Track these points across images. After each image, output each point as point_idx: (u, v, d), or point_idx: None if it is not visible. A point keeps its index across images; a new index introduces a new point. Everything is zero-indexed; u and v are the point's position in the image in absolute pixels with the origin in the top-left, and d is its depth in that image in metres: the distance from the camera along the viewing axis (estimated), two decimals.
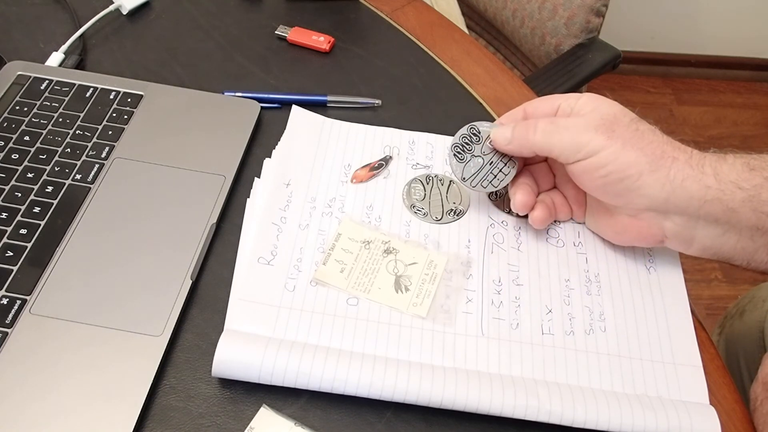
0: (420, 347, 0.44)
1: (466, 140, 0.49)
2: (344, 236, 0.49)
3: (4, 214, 0.48)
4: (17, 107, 0.55)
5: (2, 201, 0.49)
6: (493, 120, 0.55)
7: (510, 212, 0.52)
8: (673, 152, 0.44)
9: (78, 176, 0.51)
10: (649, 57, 1.87)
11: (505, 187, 0.50)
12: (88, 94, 0.57)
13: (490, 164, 0.48)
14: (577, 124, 0.45)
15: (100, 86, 0.57)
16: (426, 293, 0.46)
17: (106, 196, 0.50)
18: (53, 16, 0.66)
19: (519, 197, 0.49)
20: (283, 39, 0.65)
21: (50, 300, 0.44)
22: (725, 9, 1.76)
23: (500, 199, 0.53)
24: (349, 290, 0.46)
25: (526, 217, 0.51)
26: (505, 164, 0.49)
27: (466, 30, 0.96)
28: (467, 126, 0.49)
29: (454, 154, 0.48)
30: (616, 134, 0.44)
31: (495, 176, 0.48)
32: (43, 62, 0.60)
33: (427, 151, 0.56)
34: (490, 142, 0.49)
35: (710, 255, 0.46)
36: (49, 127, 0.54)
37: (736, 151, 0.45)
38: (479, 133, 0.49)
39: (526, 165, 0.51)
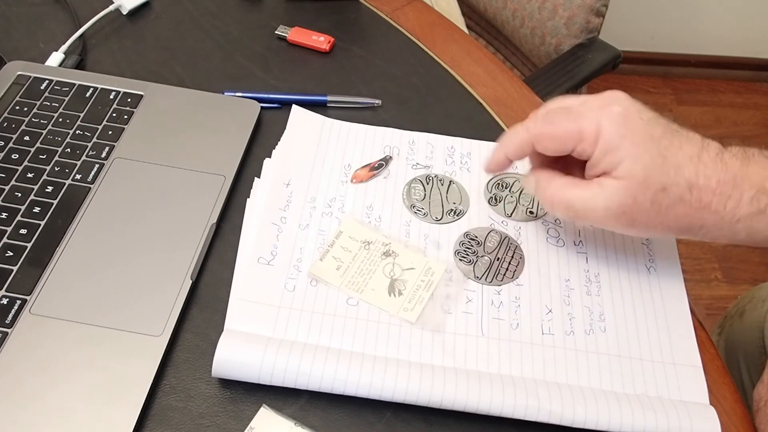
0: (420, 347, 0.44)
1: (467, 246, 0.50)
2: (345, 234, 0.49)
3: (4, 214, 0.48)
4: (17, 107, 0.55)
5: (2, 201, 0.49)
6: (494, 121, 0.55)
7: (510, 216, 0.52)
8: (702, 216, 0.42)
9: (78, 176, 0.51)
10: (649, 57, 1.87)
11: (505, 194, 0.51)
12: (88, 94, 0.57)
13: (498, 260, 0.49)
14: (597, 216, 0.43)
15: (100, 86, 0.57)
16: (419, 299, 0.46)
17: (106, 196, 0.50)
18: (53, 16, 0.66)
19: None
20: (283, 39, 0.65)
21: (50, 300, 0.44)
22: (725, 9, 1.75)
23: (500, 204, 0.53)
24: (342, 288, 0.46)
25: (525, 218, 0.51)
26: (512, 256, 0.49)
27: (466, 30, 0.96)
28: (462, 234, 0.50)
29: (460, 259, 0.49)
30: (637, 222, 0.43)
31: (507, 269, 0.49)
32: (43, 62, 0.60)
33: (427, 151, 0.56)
34: (490, 242, 0.50)
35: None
36: (49, 127, 0.54)
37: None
38: (476, 237, 0.50)
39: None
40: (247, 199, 0.51)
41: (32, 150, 0.53)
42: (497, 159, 0.48)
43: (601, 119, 0.43)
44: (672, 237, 0.46)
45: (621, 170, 0.42)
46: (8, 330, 0.43)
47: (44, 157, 0.52)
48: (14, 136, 0.53)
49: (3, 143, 0.53)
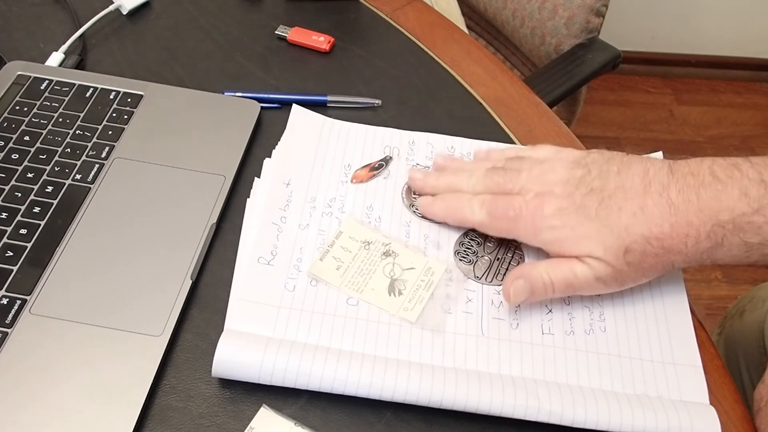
0: (420, 347, 0.44)
1: (467, 246, 0.50)
2: (345, 234, 0.49)
3: (4, 214, 0.48)
4: (17, 107, 0.55)
5: (2, 201, 0.49)
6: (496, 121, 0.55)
7: None
8: (670, 259, 0.43)
9: (78, 176, 0.51)
10: (649, 57, 1.87)
11: None
12: (88, 94, 0.57)
13: (498, 260, 0.49)
14: (593, 288, 0.45)
15: (100, 86, 0.58)
16: (419, 299, 0.46)
17: (106, 196, 0.50)
18: (53, 16, 0.66)
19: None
20: (283, 39, 0.65)
21: (50, 300, 0.44)
22: (725, 9, 1.76)
23: None
24: (342, 288, 0.46)
25: None
26: (512, 256, 0.49)
27: (466, 30, 0.96)
28: (462, 234, 0.50)
29: (460, 259, 0.49)
30: (627, 282, 0.45)
31: (507, 269, 0.49)
32: (43, 62, 0.60)
33: (427, 151, 0.56)
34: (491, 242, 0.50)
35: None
36: (49, 127, 0.54)
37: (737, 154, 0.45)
38: (476, 237, 0.50)
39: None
40: (247, 199, 0.51)
41: (32, 150, 0.53)
42: (434, 213, 0.50)
43: (537, 223, 0.45)
44: None
45: (582, 252, 0.44)
46: (8, 330, 0.43)
47: (44, 157, 0.52)
48: (14, 136, 0.53)
49: (3, 143, 0.53)
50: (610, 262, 0.43)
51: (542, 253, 0.47)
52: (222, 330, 0.43)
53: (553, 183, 0.45)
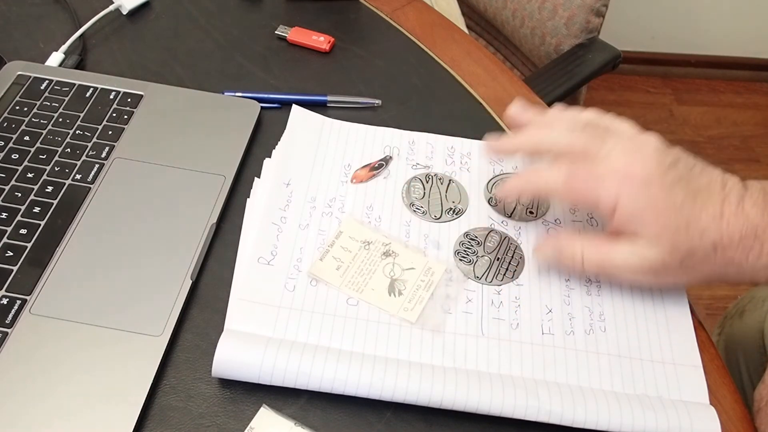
0: (420, 347, 0.44)
1: (467, 246, 0.50)
2: (345, 234, 0.49)
3: (4, 214, 0.48)
4: (17, 107, 0.55)
5: (2, 201, 0.49)
6: (492, 123, 0.55)
7: (510, 216, 0.52)
8: (725, 270, 0.43)
9: (78, 176, 0.51)
10: (649, 57, 1.87)
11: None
12: (88, 94, 0.57)
13: (498, 260, 0.49)
14: (627, 277, 0.46)
15: (100, 86, 0.57)
16: (419, 299, 0.46)
17: (106, 196, 0.50)
18: (53, 16, 0.66)
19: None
20: (283, 39, 0.65)
21: (50, 300, 0.44)
22: (725, 9, 1.75)
23: (500, 204, 0.53)
24: (342, 288, 0.46)
25: (525, 218, 0.51)
26: (512, 256, 0.49)
27: (466, 30, 0.96)
28: (462, 234, 0.50)
29: (460, 259, 0.49)
30: (665, 279, 0.45)
31: (507, 269, 0.49)
32: (43, 62, 0.60)
33: (427, 151, 0.56)
34: (491, 243, 0.50)
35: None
36: (49, 127, 0.54)
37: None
38: (476, 237, 0.50)
39: None
40: (247, 199, 0.51)
41: (32, 150, 0.53)
42: (511, 189, 0.48)
43: (622, 189, 0.43)
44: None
45: (647, 237, 0.43)
46: (8, 330, 0.43)
47: (44, 157, 0.52)
48: (14, 136, 0.53)
49: (3, 143, 0.53)
50: (665, 257, 0.43)
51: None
52: (222, 330, 0.43)
53: (646, 158, 0.44)
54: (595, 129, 0.46)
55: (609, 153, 0.44)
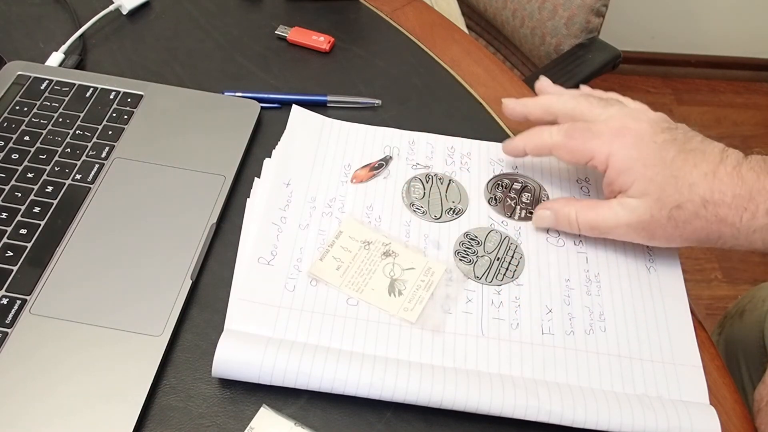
0: (420, 347, 0.44)
1: (467, 246, 0.50)
2: (345, 234, 0.49)
3: (4, 214, 0.48)
4: (17, 107, 0.55)
5: (2, 201, 0.49)
6: (495, 123, 0.55)
7: (510, 216, 0.52)
8: (719, 229, 0.44)
9: (78, 176, 0.51)
10: (649, 57, 1.87)
11: (505, 194, 0.52)
12: (88, 94, 0.57)
13: (498, 260, 0.49)
14: (620, 232, 0.47)
15: (100, 86, 0.57)
16: (419, 299, 0.46)
17: (106, 196, 0.50)
18: (53, 16, 0.66)
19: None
20: (283, 39, 0.65)
21: (50, 300, 0.44)
22: (725, 9, 1.75)
23: (500, 204, 0.53)
24: (342, 288, 0.46)
25: (525, 218, 0.51)
26: (512, 256, 0.49)
27: (466, 30, 0.96)
28: (462, 234, 0.50)
29: (460, 259, 0.49)
30: (657, 235, 0.46)
31: (507, 269, 0.49)
32: (43, 62, 0.60)
33: (427, 151, 0.56)
34: (491, 242, 0.50)
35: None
36: (49, 127, 0.54)
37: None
38: (476, 237, 0.50)
39: None
40: (247, 199, 0.51)
41: (32, 150, 0.53)
42: (515, 146, 0.52)
43: (614, 143, 0.46)
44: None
45: (635, 190, 0.45)
46: (8, 330, 0.43)
47: (44, 157, 0.52)
48: (14, 136, 0.53)
49: (3, 143, 0.53)
50: (653, 209, 0.45)
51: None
52: (222, 330, 0.43)
53: (642, 120, 0.47)
54: (604, 99, 0.50)
55: (610, 116, 0.47)
